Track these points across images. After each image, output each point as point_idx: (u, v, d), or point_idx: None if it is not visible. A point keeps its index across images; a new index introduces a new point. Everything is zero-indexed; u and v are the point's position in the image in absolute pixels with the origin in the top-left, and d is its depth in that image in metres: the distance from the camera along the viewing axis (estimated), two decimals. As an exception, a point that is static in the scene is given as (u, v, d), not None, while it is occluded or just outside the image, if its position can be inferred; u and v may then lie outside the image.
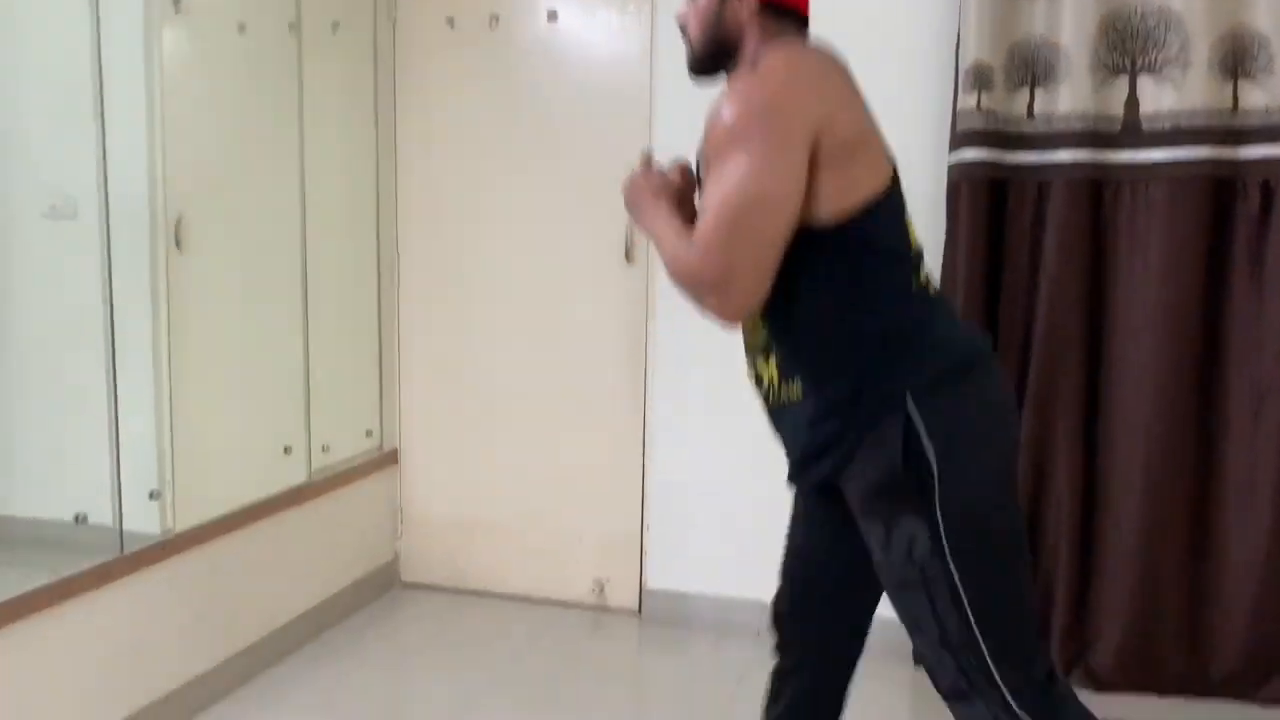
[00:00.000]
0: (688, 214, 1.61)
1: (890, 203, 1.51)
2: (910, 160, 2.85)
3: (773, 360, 1.63)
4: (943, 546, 1.44)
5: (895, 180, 1.54)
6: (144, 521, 2.50)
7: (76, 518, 2.49)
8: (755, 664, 2.86)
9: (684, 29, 1.64)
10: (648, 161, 1.70)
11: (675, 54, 1.75)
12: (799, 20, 1.59)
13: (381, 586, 3.42)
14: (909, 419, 1.44)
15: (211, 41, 2.80)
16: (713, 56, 1.61)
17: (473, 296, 3.37)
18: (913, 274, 1.54)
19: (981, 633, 1.45)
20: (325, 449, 3.11)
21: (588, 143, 3.20)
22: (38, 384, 2.98)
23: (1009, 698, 1.45)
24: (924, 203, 2.84)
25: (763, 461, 3.03)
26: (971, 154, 2.67)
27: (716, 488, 3.13)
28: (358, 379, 3.34)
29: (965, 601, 1.44)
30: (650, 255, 3.15)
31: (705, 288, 1.45)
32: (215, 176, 2.76)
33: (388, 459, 3.44)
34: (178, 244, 2.64)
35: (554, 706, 2.68)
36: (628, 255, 3.19)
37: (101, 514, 2.45)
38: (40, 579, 2.18)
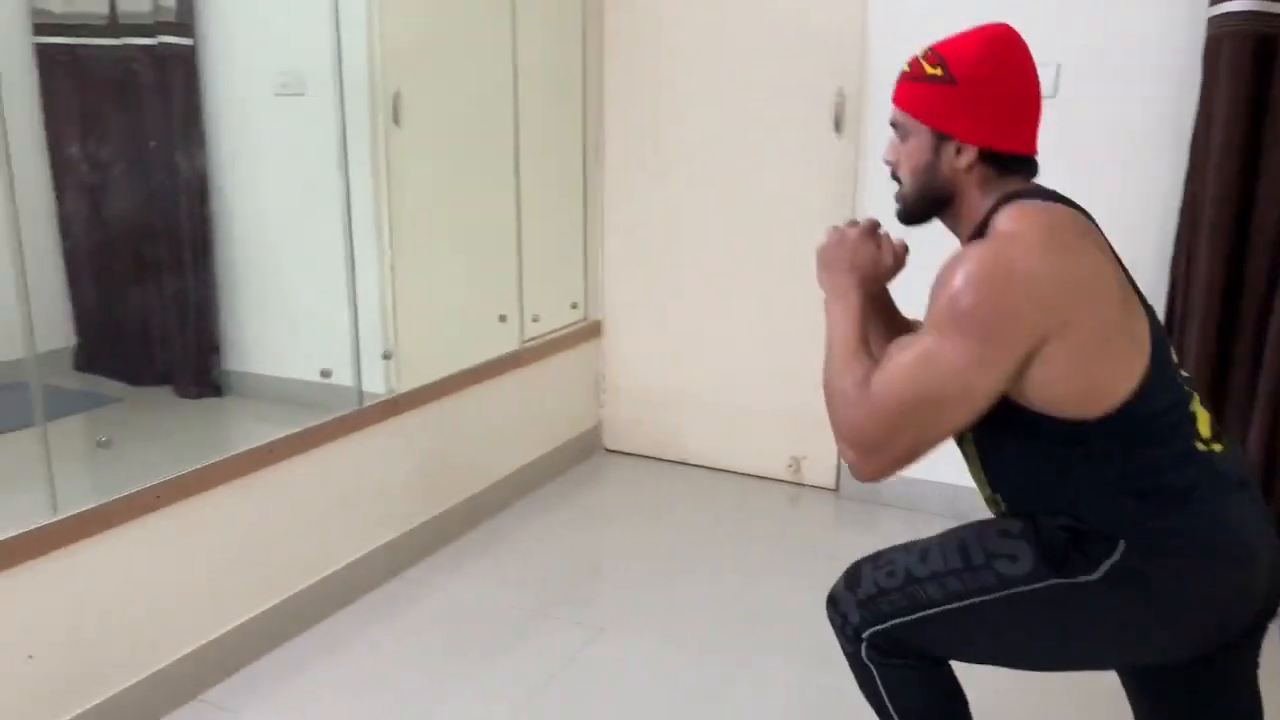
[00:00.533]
0: (880, 304, 1.53)
1: (1155, 376, 1.30)
2: (1159, 12, 2.60)
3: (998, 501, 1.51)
4: (1016, 591, 1.33)
5: (1156, 342, 1.32)
6: (377, 381, 2.70)
7: (322, 373, 2.71)
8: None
9: (894, 173, 1.50)
10: (869, 229, 1.56)
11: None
12: (1024, 163, 1.41)
13: (585, 451, 3.58)
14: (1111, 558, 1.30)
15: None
16: (927, 208, 1.46)
17: (675, 169, 3.36)
18: (1190, 433, 1.33)
19: (910, 614, 1.40)
20: (535, 319, 3.23)
21: (800, 10, 3.07)
22: (280, 250, 3.24)
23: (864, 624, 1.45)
24: (1173, 62, 2.57)
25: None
26: (1239, 3, 2.37)
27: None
28: (564, 251, 3.43)
29: (946, 611, 1.38)
30: (861, 125, 3.02)
31: (852, 446, 1.35)
32: (430, 52, 2.84)
33: (592, 330, 3.54)
34: (395, 119, 2.75)
35: (749, 572, 2.75)
36: (837, 125, 3.08)
37: (342, 373, 2.67)
38: (293, 428, 2.41)
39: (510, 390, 3.13)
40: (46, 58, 3.37)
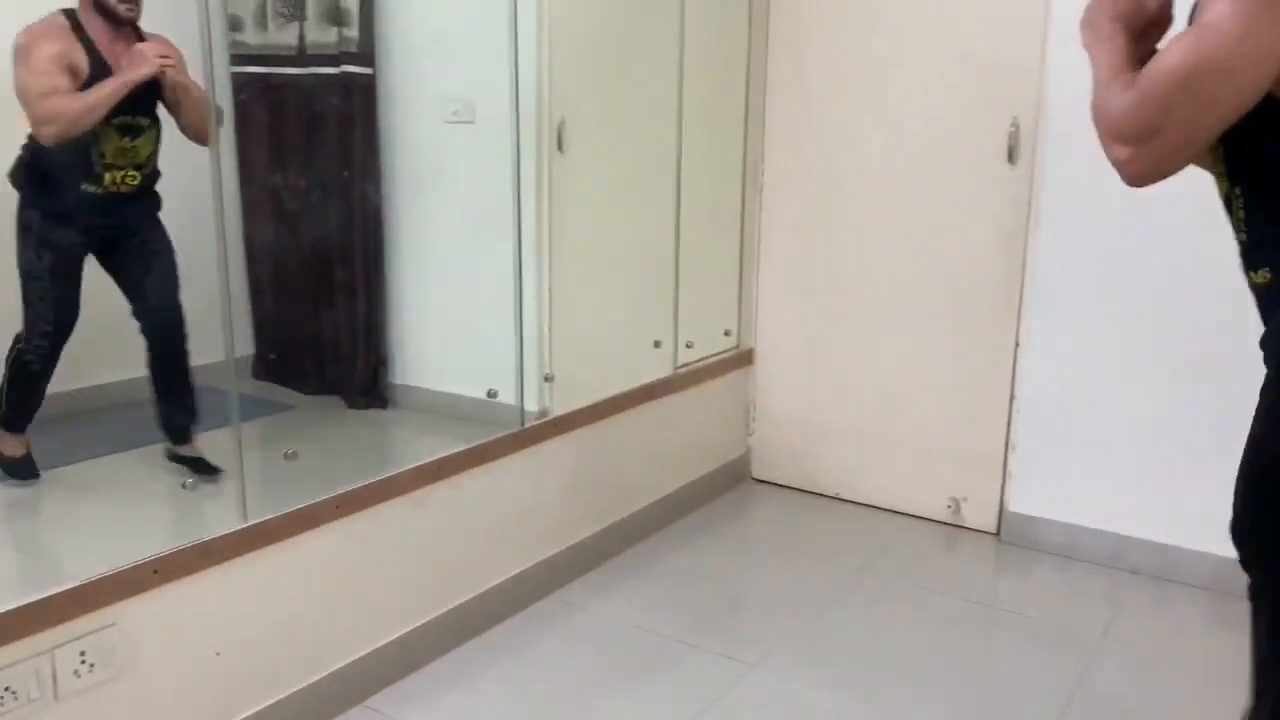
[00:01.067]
0: (1147, 50, 1.37)
1: None
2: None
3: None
4: None
5: None
6: (538, 401, 2.75)
7: (489, 393, 2.79)
8: (1127, 607, 2.69)
9: None
10: None
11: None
12: None
13: (733, 480, 3.56)
14: None
15: (595, -53, 2.90)
16: None
17: (834, 197, 3.32)
18: None
19: None
20: (689, 345, 3.23)
21: (971, 37, 2.99)
22: (448, 270, 3.36)
23: None
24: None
25: (1151, 385, 2.80)
26: None
27: (1097, 410, 2.90)
28: (718, 278, 3.43)
29: None
30: (1036, 156, 2.91)
31: (1122, 138, 1.27)
32: (596, 82, 2.90)
33: (744, 358, 3.52)
34: (559, 145, 2.81)
35: (903, 615, 2.66)
36: (1010, 155, 2.97)
37: (504, 392, 2.73)
38: (458, 443, 2.48)
39: (662, 416, 3.14)
40: (240, 85, 3.61)
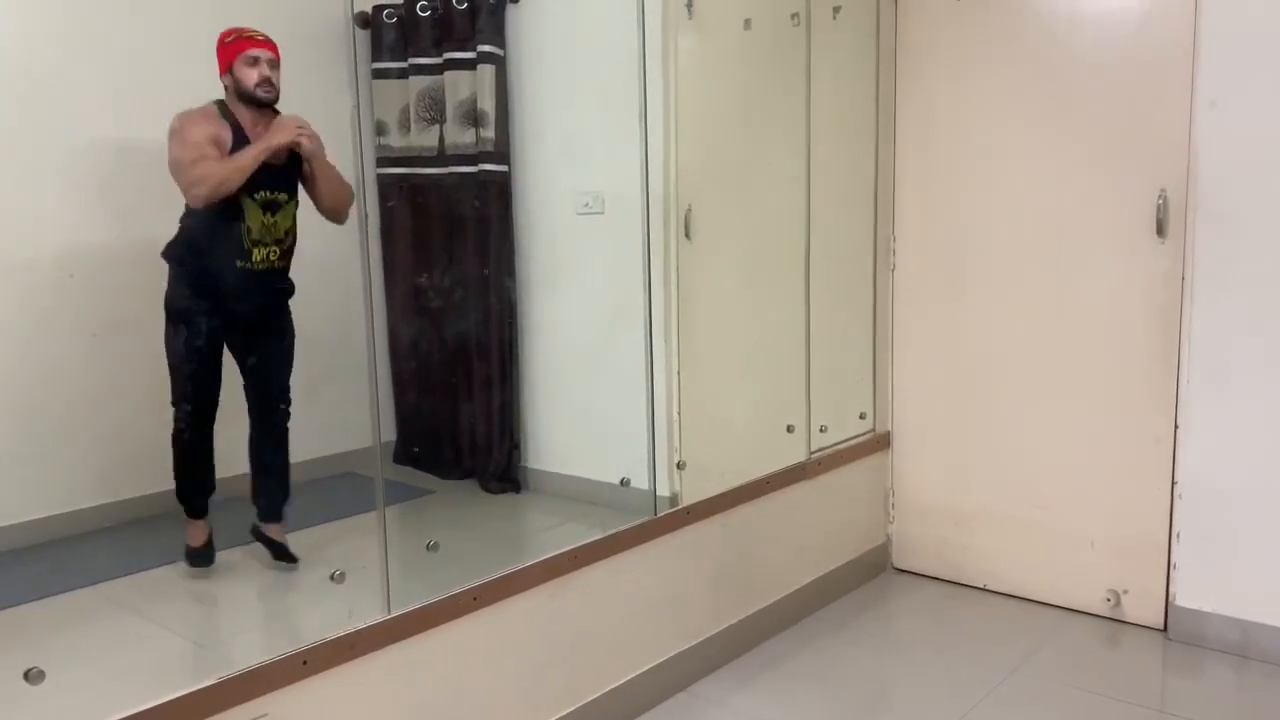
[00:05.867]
0: None
1: None
2: None
3: None
4: None
5: None
6: (670, 487, 2.74)
7: (621, 481, 2.79)
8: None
9: None
10: None
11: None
12: None
13: (873, 570, 3.43)
14: None
15: (720, 40, 2.96)
16: None
17: (971, 276, 3.23)
18: None
19: None
20: (823, 429, 3.17)
21: (1112, 103, 2.89)
22: (578, 357, 3.42)
23: None
24: None
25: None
26: None
27: (1268, 497, 2.68)
28: (852, 360, 3.37)
29: None
30: (1187, 228, 2.77)
31: None
32: (722, 168, 2.93)
33: (880, 442, 3.43)
34: (687, 234, 2.84)
35: (1067, 720, 2.49)
36: (1159, 229, 2.84)
37: (639, 478, 2.73)
38: (590, 529, 2.48)
39: (797, 502, 3.07)
40: (385, 185, 3.82)
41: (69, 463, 3.13)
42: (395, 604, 1.99)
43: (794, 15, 3.05)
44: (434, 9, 3.58)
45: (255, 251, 2.68)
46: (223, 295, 2.68)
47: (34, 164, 3.05)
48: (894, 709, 2.60)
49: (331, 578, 2.62)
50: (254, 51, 2.63)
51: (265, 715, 1.75)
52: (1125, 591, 2.99)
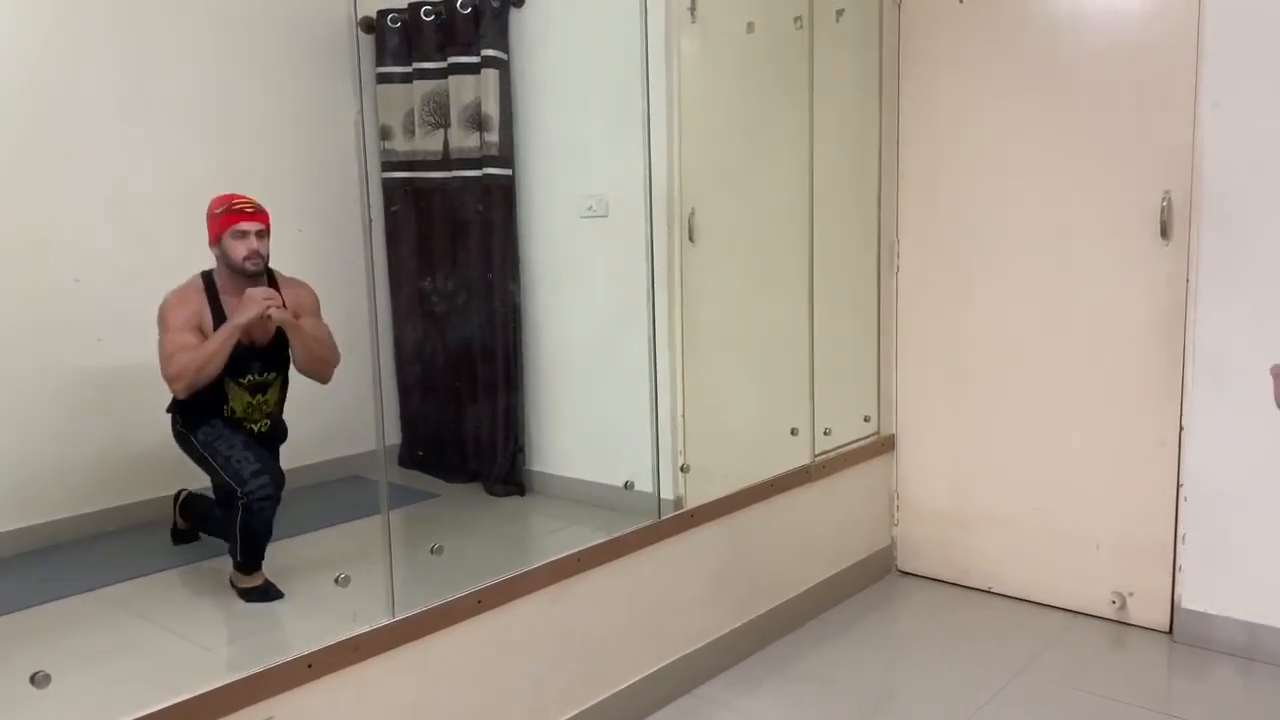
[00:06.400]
0: None
1: None
2: None
3: None
4: None
5: None
6: (674, 491, 2.74)
7: (625, 484, 2.80)
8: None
9: None
10: None
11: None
12: None
13: (878, 572, 3.43)
14: None
15: (723, 43, 2.97)
16: None
17: (975, 280, 3.23)
18: None
19: None
20: (827, 432, 3.17)
21: (1116, 104, 2.89)
22: (582, 360, 3.42)
23: None
24: None
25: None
26: None
27: (1276, 498, 2.67)
28: (856, 364, 3.37)
29: None
30: (1192, 230, 2.77)
31: None
32: (725, 171, 2.93)
33: (885, 445, 3.42)
34: (690, 236, 2.84)
35: (1072, 723, 2.48)
36: (1163, 231, 2.84)
37: (643, 481, 2.74)
38: (593, 531, 2.48)
39: (801, 505, 3.07)
40: (390, 189, 3.83)
41: (73, 467, 3.14)
42: (400, 607, 1.99)
43: (797, 18, 3.05)
44: (438, 13, 3.59)
45: (241, 425, 2.75)
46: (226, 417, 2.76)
47: (40, 169, 3.06)
48: (899, 711, 2.60)
49: (336, 581, 2.62)
50: (243, 225, 2.63)
51: (271, 718, 1.76)
52: (1130, 594, 2.98)
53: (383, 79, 3.76)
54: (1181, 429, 2.84)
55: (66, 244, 3.10)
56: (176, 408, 2.75)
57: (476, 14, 3.45)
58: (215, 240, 2.66)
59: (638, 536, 2.52)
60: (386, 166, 3.82)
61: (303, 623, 2.57)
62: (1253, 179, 2.65)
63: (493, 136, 3.45)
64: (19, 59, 3.02)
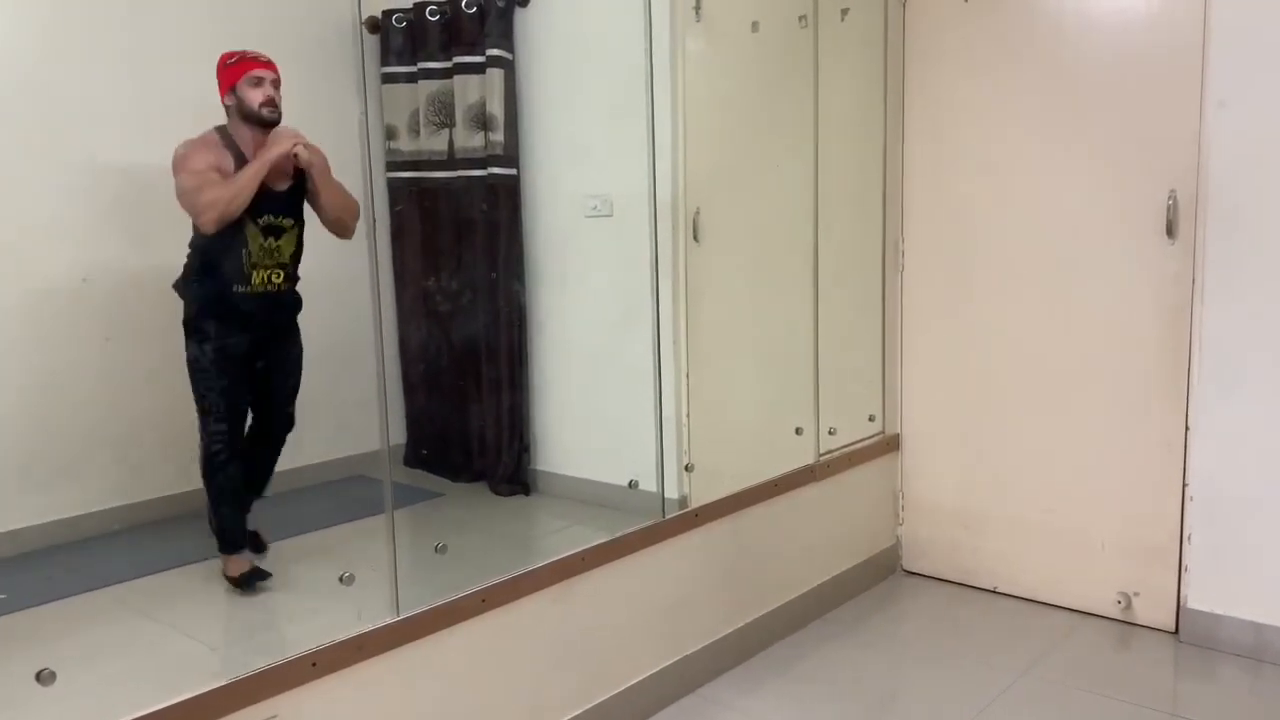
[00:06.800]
0: None
1: None
2: None
3: None
4: None
5: None
6: (678, 490, 2.74)
7: (630, 483, 2.80)
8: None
9: None
10: None
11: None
12: None
13: (883, 572, 3.43)
14: None
15: (728, 42, 2.97)
16: None
17: (980, 276, 3.22)
18: None
19: None
20: (832, 431, 3.17)
21: (1122, 103, 2.89)
22: (587, 360, 3.42)
23: None
24: None
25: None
26: None
27: (1283, 500, 2.67)
28: (861, 363, 3.36)
29: None
30: (1198, 229, 2.76)
31: None
32: (730, 170, 2.93)
33: (889, 444, 3.42)
34: (695, 236, 2.84)
35: (1078, 724, 2.47)
36: (1169, 230, 2.83)
37: (647, 481, 2.74)
38: (599, 531, 2.48)
39: (806, 505, 3.07)
40: (395, 189, 3.83)
41: (81, 466, 3.15)
42: (404, 606, 1.99)
43: (802, 17, 3.05)
44: (443, 13, 3.59)
45: (255, 275, 2.69)
46: (232, 317, 2.70)
47: (48, 169, 3.07)
48: (903, 711, 2.59)
49: (341, 579, 2.63)
50: (258, 72, 2.62)
51: (274, 716, 1.76)
52: (1136, 594, 2.97)
53: (388, 79, 3.76)
54: (1187, 429, 2.83)
55: (75, 243, 3.11)
56: (187, 282, 2.71)
57: (481, 13, 3.46)
58: (228, 90, 2.65)
59: (642, 536, 2.52)
60: (391, 166, 3.83)
61: (307, 621, 2.57)
62: (1259, 178, 2.64)
63: (497, 136, 3.46)
64: (23, 59, 3.03)
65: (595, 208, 3.29)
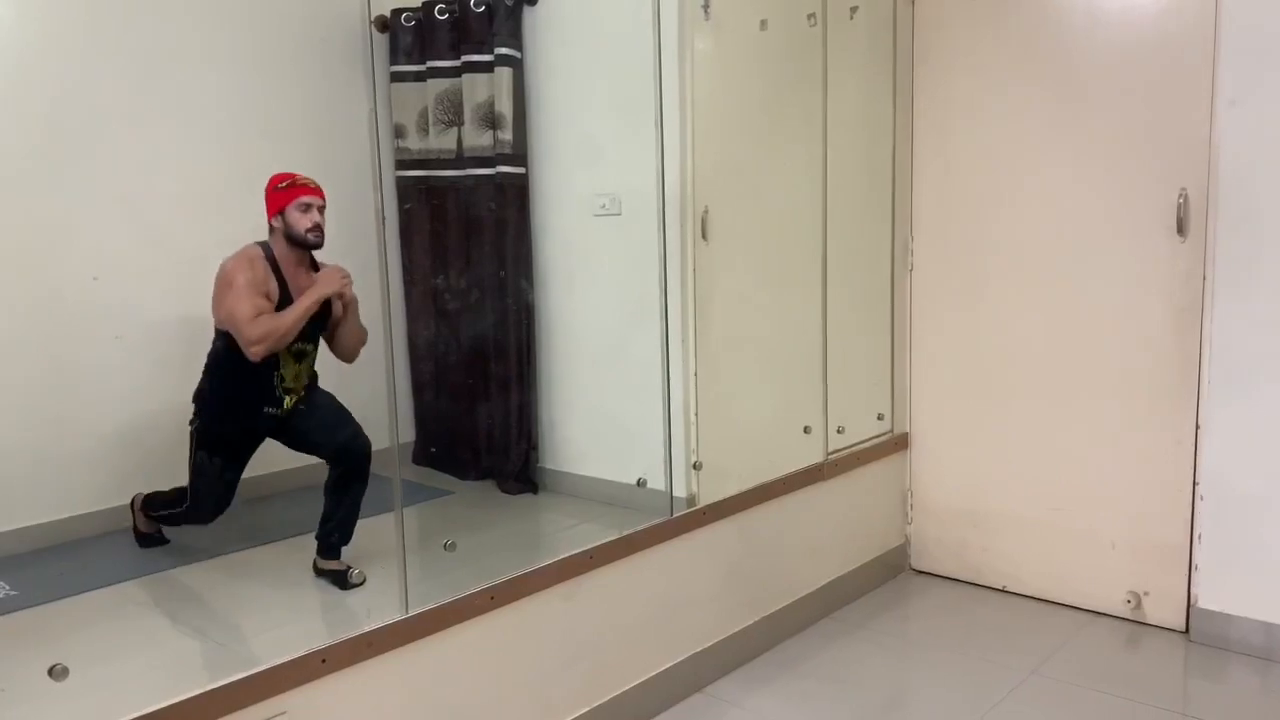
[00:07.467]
0: None
1: None
2: None
3: None
4: None
5: None
6: (686, 488, 2.74)
7: (638, 482, 2.80)
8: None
9: None
10: None
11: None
12: None
13: (891, 570, 3.42)
14: None
15: (736, 41, 2.96)
16: None
17: (990, 277, 3.21)
18: None
19: None
20: (840, 430, 3.17)
21: (1132, 101, 2.87)
22: (595, 358, 3.42)
23: None
24: None
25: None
26: None
27: (1294, 500, 2.66)
28: (870, 361, 3.36)
29: None
30: (1208, 227, 2.75)
31: None
32: (739, 169, 2.93)
33: (898, 443, 3.42)
34: (703, 234, 2.84)
35: (1087, 723, 2.47)
36: (1180, 228, 2.82)
37: (655, 479, 2.74)
38: (607, 530, 2.49)
39: (814, 503, 3.06)
40: (404, 187, 3.84)
41: (91, 464, 3.17)
42: (413, 603, 2.00)
43: (810, 16, 3.05)
44: (451, 11, 3.60)
45: (287, 399, 2.77)
46: (247, 435, 2.81)
47: (59, 169, 3.08)
48: (912, 711, 2.59)
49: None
50: (307, 198, 2.69)
51: (284, 713, 1.77)
52: (1146, 593, 2.96)
53: (396, 77, 3.77)
54: (1198, 427, 2.82)
55: (84, 242, 3.13)
56: (208, 399, 2.77)
57: (490, 12, 3.46)
58: (277, 213, 2.70)
59: (650, 534, 2.52)
60: (400, 165, 3.83)
61: (317, 618, 2.58)
62: (1270, 176, 2.63)
63: (506, 135, 3.46)
64: (37, 61, 3.04)
65: (604, 206, 3.29)
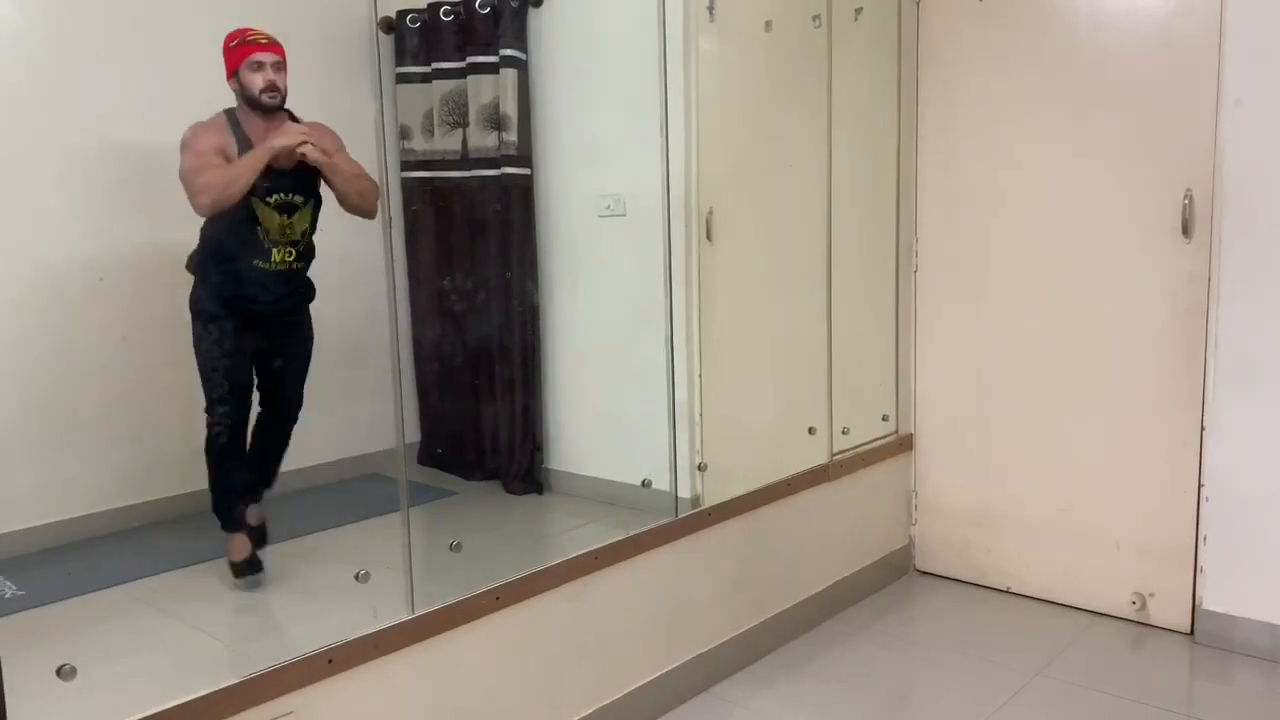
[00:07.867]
0: None
1: None
2: None
3: None
4: None
5: None
6: (691, 489, 2.75)
7: (643, 483, 2.80)
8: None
9: None
10: None
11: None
12: None
13: (895, 572, 3.42)
14: None
15: (741, 42, 2.97)
16: None
17: (994, 276, 3.21)
18: None
19: None
20: (845, 431, 3.17)
21: (1137, 102, 2.87)
22: (599, 359, 3.43)
23: None
24: None
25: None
26: None
27: (1300, 501, 2.66)
28: (874, 362, 3.36)
29: None
30: (1214, 228, 2.74)
31: None
32: (743, 170, 2.93)
33: (903, 444, 3.42)
34: (708, 235, 2.84)
35: (1092, 724, 2.47)
36: (1185, 229, 2.82)
37: (660, 480, 2.74)
38: (612, 530, 2.49)
39: (819, 504, 3.07)
40: (409, 188, 3.85)
41: (98, 464, 3.18)
42: (419, 604, 2.01)
43: (815, 17, 3.05)
44: (457, 13, 3.61)
45: (275, 252, 2.69)
46: (245, 296, 2.70)
47: (64, 169, 3.10)
48: (916, 711, 2.59)
49: (356, 577, 2.64)
50: (258, 56, 2.60)
51: (290, 713, 1.78)
52: (1151, 594, 2.96)
53: (402, 79, 3.78)
54: (1203, 428, 2.82)
55: (91, 243, 3.14)
56: (202, 259, 2.72)
57: (495, 14, 3.47)
58: (232, 74, 2.64)
59: (655, 535, 2.53)
60: (406, 166, 3.85)
61: (323, 618, 2.59)
62: (1276, 177, 2.63)
63: (511, 136, 3.47)
64: (45, 62, 3.05)
65: (609, 207, 3.30)
